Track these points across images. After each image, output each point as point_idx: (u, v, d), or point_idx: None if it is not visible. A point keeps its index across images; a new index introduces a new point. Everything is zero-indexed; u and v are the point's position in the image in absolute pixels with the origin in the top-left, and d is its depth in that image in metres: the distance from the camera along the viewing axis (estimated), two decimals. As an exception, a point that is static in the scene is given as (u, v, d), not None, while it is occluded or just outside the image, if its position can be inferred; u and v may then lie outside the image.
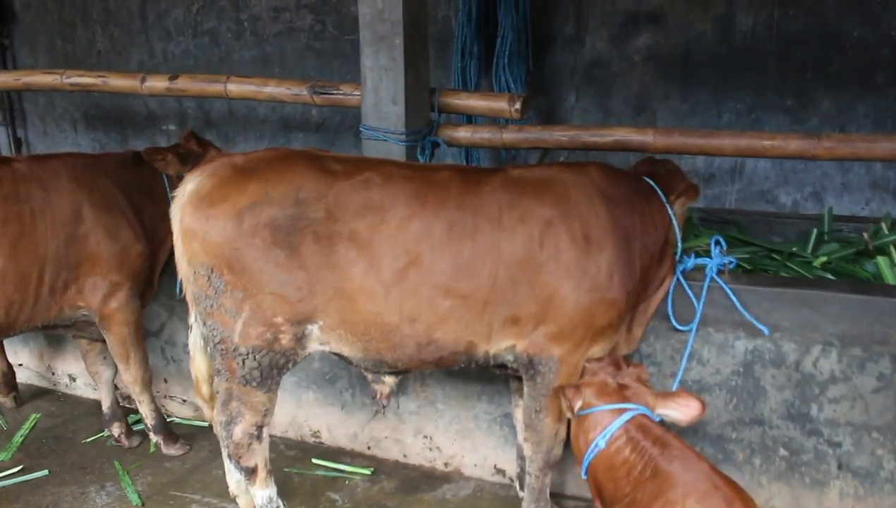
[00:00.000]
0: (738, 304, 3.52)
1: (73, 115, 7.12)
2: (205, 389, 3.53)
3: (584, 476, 3.34)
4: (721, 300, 3.59)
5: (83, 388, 5.18)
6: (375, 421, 4.39)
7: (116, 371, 4.47)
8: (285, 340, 3.15)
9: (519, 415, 3.82)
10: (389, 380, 3.46)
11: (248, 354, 3.14)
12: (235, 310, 3.09)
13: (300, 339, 3.18)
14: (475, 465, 4.24)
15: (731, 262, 3.63)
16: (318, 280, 3.07)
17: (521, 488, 3.89)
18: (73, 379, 5.20)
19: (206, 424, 4.79)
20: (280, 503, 3.50)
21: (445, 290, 3.11)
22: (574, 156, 5.49)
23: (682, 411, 3.24)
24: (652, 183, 3.49)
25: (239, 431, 3.27)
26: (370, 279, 3.07)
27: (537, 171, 3.37)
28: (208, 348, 3.41)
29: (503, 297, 3.15)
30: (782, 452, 3.67)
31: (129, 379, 4.31)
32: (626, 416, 3.16)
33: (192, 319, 3.40)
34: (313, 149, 3.38)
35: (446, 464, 4.30)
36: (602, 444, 3.17)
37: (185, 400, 4.90)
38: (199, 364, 3.49)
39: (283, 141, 6.43)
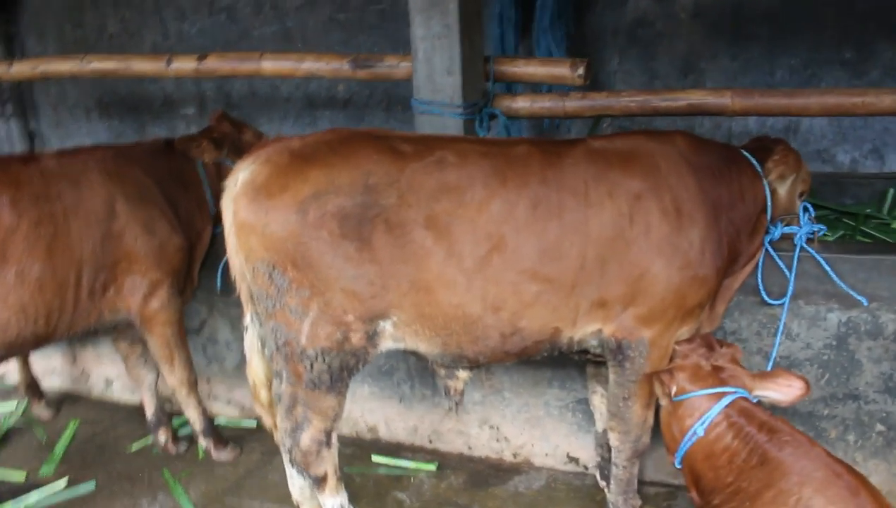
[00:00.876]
0: (832, 275, 3.29)
1: (86, 104, 6.79)
2: (263, 395, 3.28)
3: (677, 466, 3.15)
4: (812, 270, 3.36)
5: (120, 392, 4.94)
6: (437, 414, 4.19)
7: (159, 374, 4.27)
8: (356, 339, 2.90)
9: (597, 402, 3.62)
10: (464, 375, 3.23)
11: (316, 356, 2.89)
12: (302, 310, 2.84)
13: (372, 338, 2.93)
14: (546, 454, 4.04)
15: (820, 230, 3.40)
16: (392, 273, 2.81)
17: (602, 478, 3.69)
18: (109, 382, 4.97)
19: (253, 425, 4.60)
20: None
21: (532, 275, 2.87)
22: (618, 123, 5.26)
23: (783, 391, 3.05)
24: (748, 155, 3.26)
25: (307, 438, 3.03)
26: (450, 268, 2.83)
27: (620, 142, 3.12)
28: (266, 350, 3.18)
29: (591, 279, 2.93)
30: (879, 427, 3.46)
31: (175, 381, 4.09)
32: (725, 401, 2.98)
33: (247, 320, 3.15)
34: (374, 129, 3.14)
35: (515, 455, 4.10)
36: (701, 431, 2.99)
37: (230, 401, 4.69)
38: (256, 367, 3.24)
39: (309, 120, 6.16)
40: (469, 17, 3.54)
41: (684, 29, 5.19)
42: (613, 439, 3.28)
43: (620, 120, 5.15)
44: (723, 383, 3.04)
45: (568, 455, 3.99)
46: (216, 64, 4.24)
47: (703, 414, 3.02)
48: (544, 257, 2.87)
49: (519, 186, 2.86)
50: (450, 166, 2.85)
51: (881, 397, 3.42)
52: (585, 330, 3.06)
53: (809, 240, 3.38)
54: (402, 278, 2.83)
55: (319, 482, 3.14)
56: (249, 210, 2.80)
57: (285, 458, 3.33)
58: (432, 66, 3.60)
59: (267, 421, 3.34)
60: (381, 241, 2.78)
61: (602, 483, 3.70)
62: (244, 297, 3.08)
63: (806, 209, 3.40)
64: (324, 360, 2.90)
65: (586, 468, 3.96)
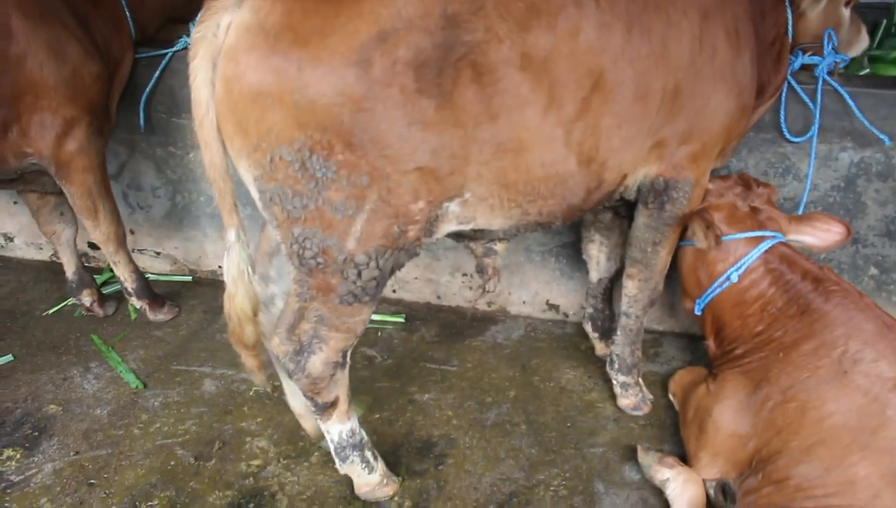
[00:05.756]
0: (856, 111, 2.84)
1: None
2: (249, 332, 2.25)
3: (696, 313, 2.75)
4: (829, 105, 2.91)
5: (24, 249, 4.02)
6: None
7: (78, 227, 3.41)
8: (414, 231, 2.08)
9: (593, 251, 3.10)
10: (500, 247, 2.61)
11: (367, 262, 2.06)
12: (354, 205, 1.95)
13: (431, 225, 2.12)
14: (523, 302, 3.56)
15: (843, 61, 2.91)
16: (476, 137, 1.99)
17: (594, 330, 3.23)
18: (9, 239, 4.01)
19: (189, 279, 3.84)
20: (364, 433, 2.50)
21: (626, 116, 2.20)
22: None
23: (820, 236, 2.66)
24: None
25: (319, 363, 2.23)
26: (549, 119, 2.06)
27: None
28: (255, 275, 2.19)
29: (664, 116, 2.30)
30: (872, 271, 3.18)
31: (101, 237, 3.25)
32: (764, 245, 2.56)
33: (231, 237, 2.11)
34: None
35: (489, 304, 3.60)
36: (735, 278, 2.57)
37: (159, 254, 3.87)
38: (241, 299, 2.18)
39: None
40: None
41: None
42: (632, 287, 2.79)
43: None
44: (761, 226, 2.62)
45: (548, 303, 3.53)
46: None
47: (739, 259, 2.59)
48: (638, 93, 2.19)
49: (611, 3, 2.10)
50: None
51: (879, 240, 3.11)
52: (638, 175, 2.47)
53: (831, 73, 2.90)
54: (486, 142, 2.02)
55: (326, 409, 2.36)
56: (265, 69, 1.81)
57: (281, 373, 2.58)
58: None
59: (248, 364, 2.34)
60: (465, 95, 1.92)
61: (594, 335, 3.25)
62: (226, 204, 2.06)
63: (830, 37, 2.89)
64: (377, 264, 2.08)
65: (566, 315, 3.52)
